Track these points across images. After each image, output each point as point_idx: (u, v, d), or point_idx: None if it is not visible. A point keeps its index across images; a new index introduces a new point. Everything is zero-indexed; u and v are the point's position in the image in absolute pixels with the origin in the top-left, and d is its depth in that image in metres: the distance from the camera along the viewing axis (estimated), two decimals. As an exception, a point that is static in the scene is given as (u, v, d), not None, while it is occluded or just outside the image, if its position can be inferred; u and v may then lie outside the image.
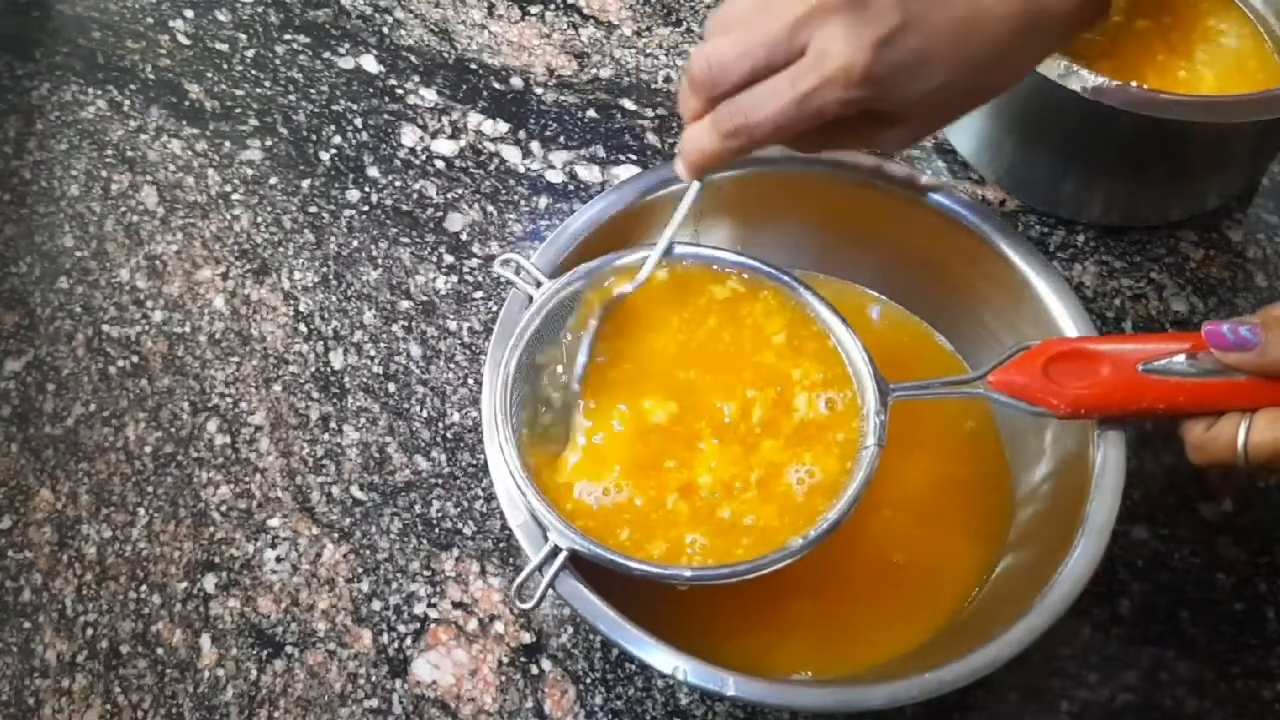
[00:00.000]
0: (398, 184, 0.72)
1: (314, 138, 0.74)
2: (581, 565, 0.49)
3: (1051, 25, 0.47)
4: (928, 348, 0.62)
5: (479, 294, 0.67)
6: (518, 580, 0.48)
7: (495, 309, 0.66)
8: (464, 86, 0.75)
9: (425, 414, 0.64)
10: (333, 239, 0.70)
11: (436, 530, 0.60)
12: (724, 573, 0.48)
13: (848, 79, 0.44)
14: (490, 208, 0.70)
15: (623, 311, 0.54)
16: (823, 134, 0.48)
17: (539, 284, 0.53)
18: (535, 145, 0.73)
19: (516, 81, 0.75)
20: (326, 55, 0.77)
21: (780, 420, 0.52)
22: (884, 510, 0.56)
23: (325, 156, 0.73)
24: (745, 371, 0.54)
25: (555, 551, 0.48)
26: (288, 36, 0.78)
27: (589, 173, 0.72)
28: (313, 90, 0.76)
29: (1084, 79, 0.60)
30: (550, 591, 0.48)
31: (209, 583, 0.59)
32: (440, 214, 0.70)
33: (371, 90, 0.75)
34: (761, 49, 0.45)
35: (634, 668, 0.57)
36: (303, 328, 0.67)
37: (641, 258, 0.54)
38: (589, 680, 0.56)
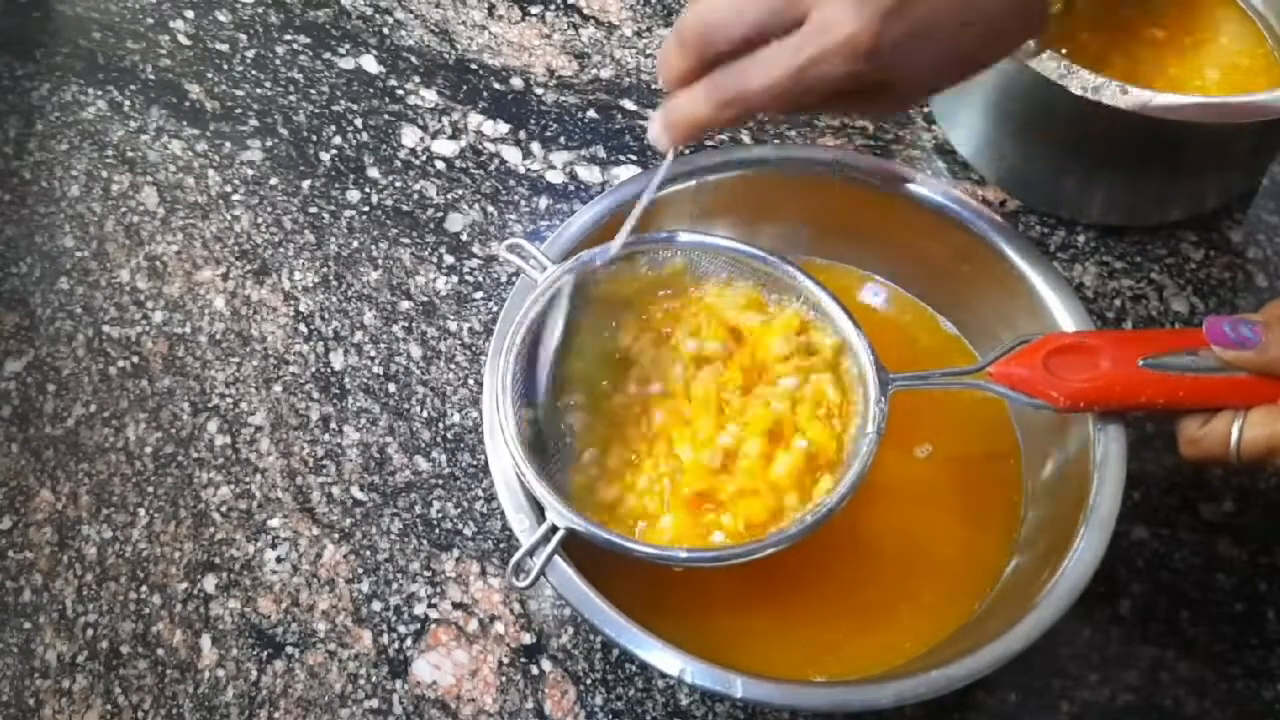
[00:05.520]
0: (398, 184, 0.72)
1: (314, 138, 0.74)
2: (578, 561, 0.49)
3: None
4: (931, 331, 0.62)
5: (479, 294, 0.67)
6: (514, 558, 0.48)
7: (496, 309, 0.66)
8: (464, 87, 0.75)
9: (425, 414, 0.64)
10: (333, 239, 0.70)
11: (437, 531, 0.60)
12: (719, 555, 0.48)
13: (852, 52, 0.43)
14: (490, 208, 0.70)
15: (619, 302, 0.55)
16: (813, 104, 0.46)
17: (544, 269, 0.54)
18: (535, 146, 0.73)
19: (517, 82, 0.75)
20: (327, 56, 0.77)
21: (779, 407, 0.52)
22: (896, 500, 0.56)
23: (325, 157, 0.73)
24: (745, 358, 0.54)
25: (553, 530, 0.48)
26: (288, 37, 0.78)
27: (589, 173, 0.72)
28: (313, 91, 0.76)
29: (1084, 79, 0.59)
30: (552, 592, 0.48)
31: (209, 583, 0.59)
32: (440, 214, 0.70)
33: (372, 91, 0.75)
34: (760, 10, 0.44)
35: (634, 668, 0.56)
36: (303, 328, 0.67)
37: (644, 246, 0.54)
38: (589, 681, 0.56)
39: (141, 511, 0.61)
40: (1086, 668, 0.56)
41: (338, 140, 0.73)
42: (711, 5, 0.45)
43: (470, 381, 0.65)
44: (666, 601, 0.51)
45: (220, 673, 0.57)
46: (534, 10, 0.78)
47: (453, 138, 0.73)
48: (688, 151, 0.54)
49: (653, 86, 0.75)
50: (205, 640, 0.58)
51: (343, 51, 0.77)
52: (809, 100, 0.45)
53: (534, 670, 0.56)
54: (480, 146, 0.73)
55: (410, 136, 0.73)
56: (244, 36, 0.78)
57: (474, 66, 0.76)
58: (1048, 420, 0.56)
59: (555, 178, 0.71)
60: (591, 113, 0.74)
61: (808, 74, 0.43)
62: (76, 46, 0.78)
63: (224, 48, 0.78)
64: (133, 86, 0.76)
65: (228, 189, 0.72)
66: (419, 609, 0.58)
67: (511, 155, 0.72)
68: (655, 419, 0.53)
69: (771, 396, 0.52)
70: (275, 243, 0.70)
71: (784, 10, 0.43)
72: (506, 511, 0.50)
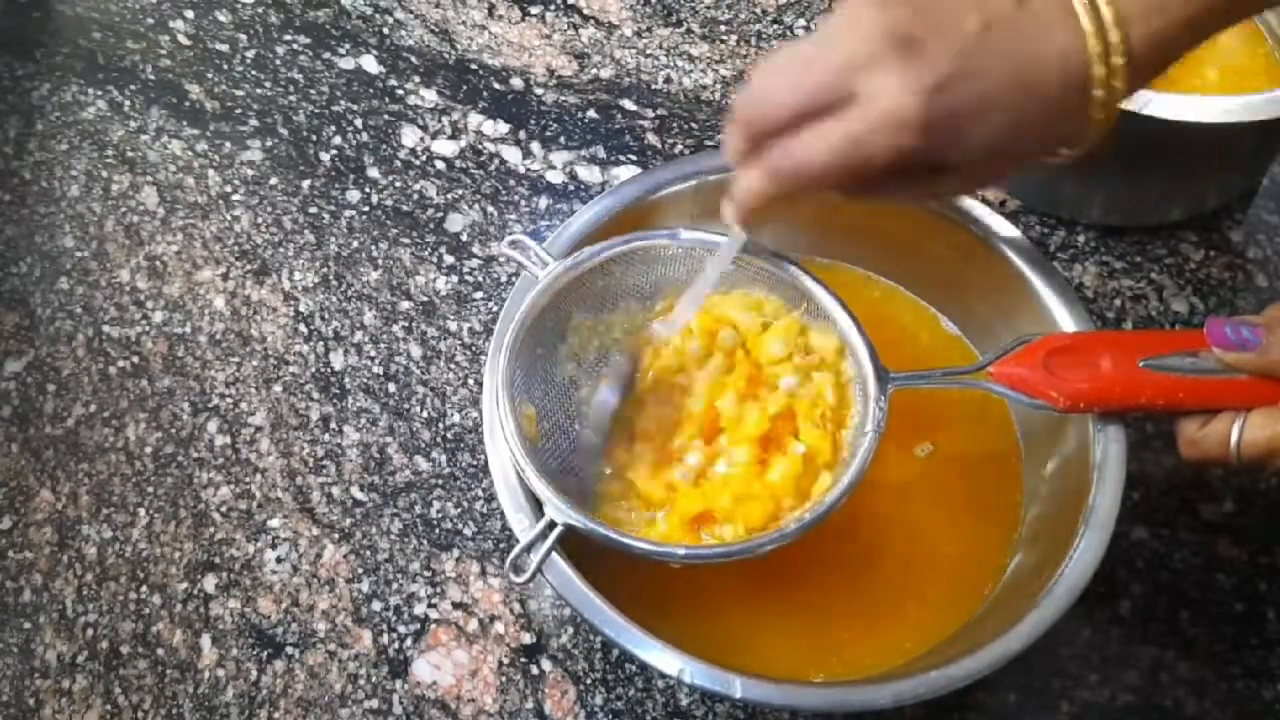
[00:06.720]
0: (398, 184, 0.72)
1: (314, 138, 0.74)
2: (578, 561, 0.49)
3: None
4: (931, 330, 0.62)
5: (479, 294, 0.67)
6: (513, 554, 0.48)
7: (496, 309, 0.66)
8: (464, 87, 0.75)
9: (425, 414, 0.64)
10: (333, 239, 0.70)
11: (437, 531, 0.60)
12: (718, 552, 0.48)
13: (896, 126, 0.42)
14: (490, 208, 0.70)
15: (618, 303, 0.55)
16: (874, 182, 0.45)
17: (545, 265, 0.54)
18: (535, 146, 0.73)
19: (517, 82, 0.75)
20: (327, 56, 0.77)
21: (779, 406, 0.52)
22: (897, 499, 0.56)
23: (325, 157, 0.73)
24: (746, 358, 0.54)
25: (551, 526, 0.48)
26: (288, 37, 0.78)
27: (589, 173, 0.72)
28: (313, 91, 0.76)
29: (1084, 79, 0.59)
30: (552, 592, 0.48)
31: (209, 583, 0.59)
32: (440, 214, 0.70)
33: (372, 91, 0.75)
34: (808, 88, 0.43)
35: (634, 668, 0.56)
36: (303, 328, 0.67)
37: (647, 243, 0.54)
38: (589, 681, 0.56)
39: (141, 511, 0.61)
40: (1086, 668, 0.56)
41: (338, 140, 0.73)
42: (762, 81, 0.45)
43: (470, 381, 0.65)
44: (666, 602, 0.51)
45: (220, 673, 0.57)
46: (534, 10, 0.78)
47: (453, 138, 0.73)
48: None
49: (652, 86, 0.75)
50: (205, 640, 0.58)
51: (343, 51, 0.77)
52: (866, 178, 0.44)
53: (534, 670, 0.56)
54: (480, 146, 0.73)
55: (410, 136, 0.73)
56: (244, 36, 0.78)
57: (474, 66, 0.76)
58: (1048, 420, 0.56)
59: (555, 178, 0.71)
60: (591, 113, 0.74)
61: (857, 147, 0.43)
62: (76, 46, 0.78)
63: (224, 48, 0.78)
64: (133, 86, 0.76)
65: (228, 189, 0.72)
66: (419, 609, 0.58)
67: (511, 155, 0.72)
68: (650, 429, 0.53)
69: (770, 401, 0.52)
70: (275, 243, 0.70)
71: (832, 88, 0.43)
72: (506, 511, 0.50)
